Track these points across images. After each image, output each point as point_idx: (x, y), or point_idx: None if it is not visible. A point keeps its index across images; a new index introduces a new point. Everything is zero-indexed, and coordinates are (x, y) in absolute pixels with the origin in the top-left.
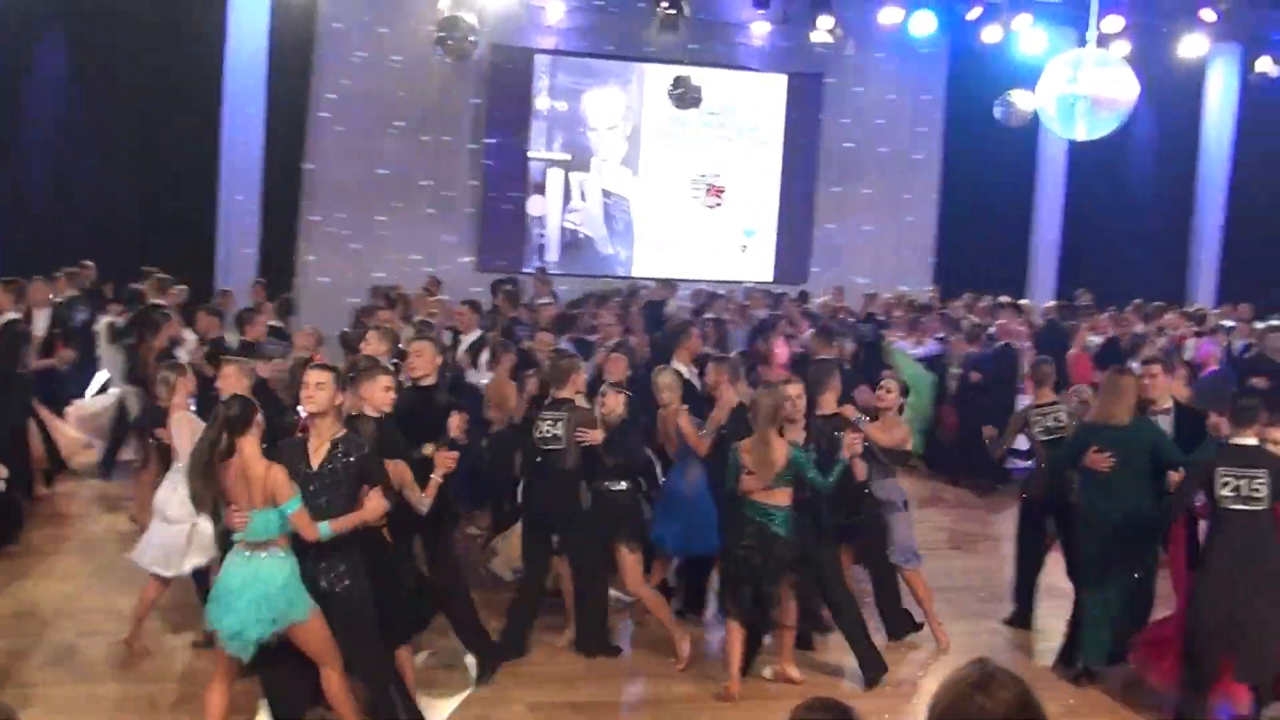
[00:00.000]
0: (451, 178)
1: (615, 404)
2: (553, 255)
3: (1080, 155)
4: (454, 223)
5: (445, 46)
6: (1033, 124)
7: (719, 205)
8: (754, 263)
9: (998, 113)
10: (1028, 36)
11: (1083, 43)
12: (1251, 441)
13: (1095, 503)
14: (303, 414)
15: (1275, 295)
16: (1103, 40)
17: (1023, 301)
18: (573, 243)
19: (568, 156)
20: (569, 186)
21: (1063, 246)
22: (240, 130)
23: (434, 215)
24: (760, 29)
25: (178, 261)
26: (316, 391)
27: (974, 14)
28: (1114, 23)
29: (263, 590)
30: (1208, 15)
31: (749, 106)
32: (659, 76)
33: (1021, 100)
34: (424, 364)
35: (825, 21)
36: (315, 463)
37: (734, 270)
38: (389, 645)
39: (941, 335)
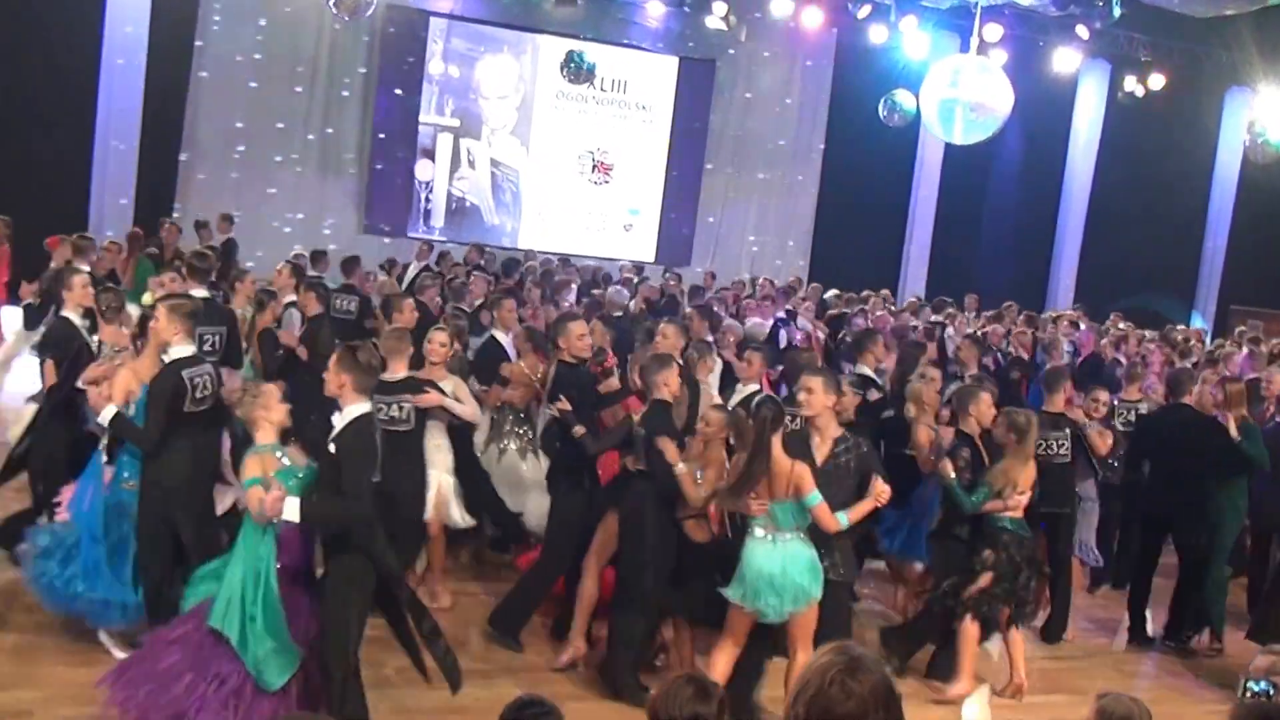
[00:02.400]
0: (339, 138)
1: None
2: (438, 221)
3: (953, 160)
4: (340, 183)
5: (338, 3)
6: (913, 126)
7: (606, 182)
8: (637, 242)
9: (882, 112)
10: (912, 39)
11: (965, 48)
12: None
13: None
14: None
15: (1126, 304)
16: (983, 48)
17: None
18: (458, 210)
19: (457, 123)
20: (458, 153)
21: (933, 247)
22: (119, 80)
23: (319, 174)
24: (656, 9)
25: (50, 216)
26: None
27: (864, 12)
28: (994, 31)
29: (794, 570)
30: (1082, 31)
31: (640, 86)
32: (553, 49)
33: (905, 101)
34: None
35: (719, 8)
36: (820, 458)
37: (618, 248)
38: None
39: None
